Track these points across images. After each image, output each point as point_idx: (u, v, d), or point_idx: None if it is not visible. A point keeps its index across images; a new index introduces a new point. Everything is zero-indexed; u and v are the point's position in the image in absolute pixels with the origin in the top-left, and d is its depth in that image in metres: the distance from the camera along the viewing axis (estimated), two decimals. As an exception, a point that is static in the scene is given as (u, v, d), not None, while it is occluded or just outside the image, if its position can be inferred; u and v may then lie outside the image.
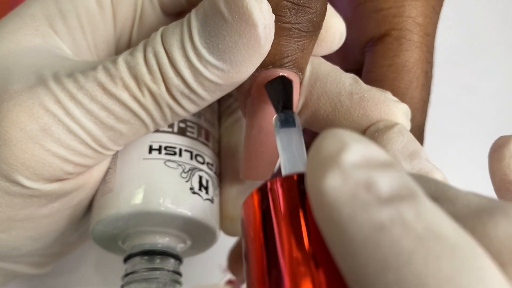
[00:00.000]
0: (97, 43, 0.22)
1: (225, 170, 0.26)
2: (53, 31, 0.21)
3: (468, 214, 0.12)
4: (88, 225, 0.23)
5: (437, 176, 0.18)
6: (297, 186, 0.14)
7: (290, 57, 0.19)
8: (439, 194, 0.13)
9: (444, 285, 0.10)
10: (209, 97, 0.19)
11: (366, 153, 0.12)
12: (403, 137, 0.19)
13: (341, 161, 0.12)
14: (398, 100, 0.21)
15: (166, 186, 0.22)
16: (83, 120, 0.19)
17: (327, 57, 0.30)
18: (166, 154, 0.23)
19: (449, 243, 0.10)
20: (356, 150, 0.12)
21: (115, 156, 0.23)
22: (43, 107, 0.18)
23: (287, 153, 0.17)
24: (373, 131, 0.20)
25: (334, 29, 0.22)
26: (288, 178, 0.15)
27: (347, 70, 0.30)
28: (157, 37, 0.19)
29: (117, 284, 0.23)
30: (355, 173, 0.12)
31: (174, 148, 0.23)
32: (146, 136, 0.23)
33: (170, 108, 0.19)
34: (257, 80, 0.19)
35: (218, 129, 0.27)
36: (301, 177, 0.15)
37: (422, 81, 0.26)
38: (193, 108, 0.20)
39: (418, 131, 0.26)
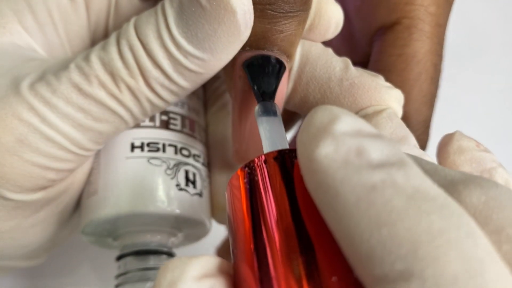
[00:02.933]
0: (70, 38, 0.21)
1: (214, 159, 0.25)
2: (22, 28, 0.20)
3: (444, 184, 0.13)
4: (78, 220, 0.23)
5: (428, 160, 0.18)
6: (280, 161, 0.15)
7: (266, 38, 0.18)
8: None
9: (436, 238, 0.10)
10: (190, 86, 0.19)
11: (356, 124, 0.12)
12: (391, 123, 0.19)
13: (333, 130, 0.12)
14: (391, 86, 0.20)
15: (151, 186, 0.21)
16: (60, 124, 0.18)
17: (333, 48, 0.29)
18: (149, 151, 0.22)
19: (438, 202, 0.11)
20: (346, 121, 0.12)
21: (98, 155, 0.22)
22: (16, 117, 0.17)
23: (269, 140, 0.18)
24: (361, 116, 0.19)
25: (329, 17, 0.20)
26: (271, 153, 0.15)
27: (354, 63, 0.29)
28: (130, 28, 0.18)
29: (113, 284, 0.23)
30: (347, 140, 0.12)
31: (157, 143, 0.22)
32: (128, 133, 0.22)
33: (150, 102, 0.18)
34: (237, 62, 0.19)
35: (205, 115, 0.26)
36: (282, 152, 0.15)
37: (431, 73, 0.25)
38: (173, 99, 0.19)
39: (424, 126, 0.25)
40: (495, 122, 0.45)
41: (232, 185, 0.16)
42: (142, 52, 0.17)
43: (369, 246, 0.11)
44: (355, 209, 0.11)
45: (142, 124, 0.22)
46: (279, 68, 0.19)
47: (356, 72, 0.20)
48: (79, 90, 0.18)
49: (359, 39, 0.28)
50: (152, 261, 0.22)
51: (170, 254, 0.23)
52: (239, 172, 0.16)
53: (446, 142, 0.18)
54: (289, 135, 0.35)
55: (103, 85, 0.18)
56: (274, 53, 0.18)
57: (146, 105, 0.19)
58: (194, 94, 0.25)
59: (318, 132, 0.12)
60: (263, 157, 0.15)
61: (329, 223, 0.12)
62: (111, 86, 0.18)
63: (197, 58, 0.17)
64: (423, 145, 0.26)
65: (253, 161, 0.15)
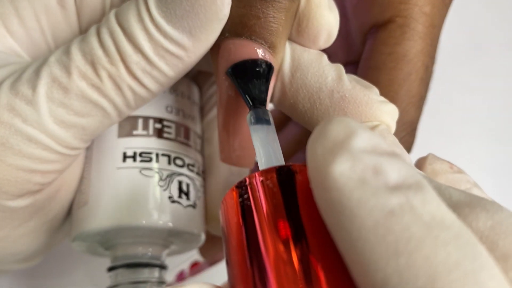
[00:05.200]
0: (59, 45, 0.20)
1: (209, 168, 0.24)
2: (7, 32, 0.19)
3: (450, 206, 0.12)
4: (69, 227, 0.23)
5: None
6: (277, 178, 0.14)
7: (243, 24, 0.18)
8: None
9: (453, 270, 0.10)
10: (172, 73, 0.18)
11: (373, 141, 0.12)
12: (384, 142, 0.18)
13: (350, 146, 0.12)
14: (384, 100, 0.19)
15: (142, 198, 0.20)
16: (42, 123, 0.17)
17: (330, 48, 0.28)
18: (142, 161, 0.21)
19: (453, 231, 0.11)
20: (364, 137, 0.12)
21: (89, 164, 0.22)
22: None
23: (263, 150, 0.17)
24: None
25: (319, 22, 0.19)
26: (268, 171, 0.14)
27: (349, 62, 0.29)
28: (111, 17, 0.18)
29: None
30: (364, 158, 0.12)
31: (150, 153, 0.21)
32: (120, 142, 0.21)
33: (132, 90, 0.18)
34: (219, 50, 0.18)
35: (201, 122, 0.25)
36: (281, 170, 0.14)
37: (421, 74, 0.24)
38: (156, 88, 0.18)
39: (410, 127, 0.25)
40: (495, 122, 0.45)
41: (226, 204, 0.15)
42: (123, 37, 0.17)
43: (384, 275, 0.10)
44: (372, 234, 0.11)
45: (134, 132, 0.22)
46: (268, 71, 0.18)
47: (348, 84, 0.19)
48: (60, 83, 0.17)
49: (355, 37, 0.27)
50: (143, 274, 0.22)
51: (162, 267, 0.22)
52: (233, 190, 0.15)
53: (419, 166, 0.18)
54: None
55: (83, 76, 0.17)
56: (254, 42, 0.18)
57: (129, 95, 0.18)
58: (189, 99, 0.24)
59: (334, 147, 0.12)
60: (259, 175, 0.14)
61: (340, 245, 0.12)
62: (92, 76, 0.17)
63: (177, 38, 0.17)
64: (408, 147, 0.25)
65: (249, 179, 0.14)
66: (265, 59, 0.18)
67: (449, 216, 0.11)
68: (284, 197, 0.14)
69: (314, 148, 0.12)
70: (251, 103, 0.18)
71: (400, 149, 0.18)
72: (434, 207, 0.11)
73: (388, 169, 0.11)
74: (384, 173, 0.11)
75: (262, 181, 0.14)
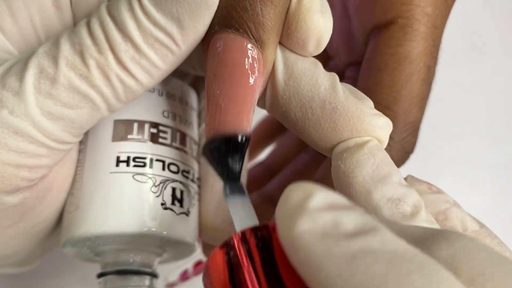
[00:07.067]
0: None
1: (205, 175, 0.24)
2: (0, 31, 0.19)
3: (413, 243, 0.13)
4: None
5: (412, 199, 0.17)
6: (255, 239, 0.15)
7: (231, 16, 0.18)
8: None
9: None
10: (162, 63, 0.18)
11: (329, 199, 0.13)
12: (373, 159, 0.18)
13: (308, 207, 0.13)
14: (378, 113, 0.19)
15: (134, 204, 0.20)
16: (29, 114, 0.17)
17: (332, 48, 0.28)
18: (135, 166, 0.21)
19: (416, 262, 0.11)
20: (320, 197, 0.13)
21: (82, 167, 0.21)
22: None
23: (240, 219, 0.18)
24: (341, 151, 0.18)
25: (308, 27, 0.19)
26: (246, 231, 0.16)
27: (352, 62, 0.29)
28: (102, 8, 0.18)
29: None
30: (322, 215, 0.13)
31: (144, 158, 0.21)
32: (114, 146, 0.21)
33: (121, 81, 0.18)
34: (209, 44, 0.18)
35: (198, 128, 0.25)
36: (255, 230, 0.16)
37: (423, 75, 0.24)
38: (146, 79, 0.18)
39: (412, 128, 0.25)
40: (495, 122, 0.45)
41: (211, 263, 0.16)
42: (112, 26, 0.17)
43: None
44: (339, 279, 0.11)
45: (129, 136, 0.21)
46: (243, 145, 0.18)
47: (341, 95, 0.18)
48: (47, 74, 0.17)
49: (358, 38, 0.27)
50: (134, 281, 0.21)
51: (153, 275, 0.22)
52: (218, 250, 0.16)
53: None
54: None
55: (71, 66, 0.17)
56: (242, 36, 0.18)
57: (118, 85, 0.18)
58: (187, 105, 0.24)
59: (294, 210, 0.13)
60: (240, 235, 0.16)
61: None
62: (80, 66, 0.17)
63: (165, 26, 0.17)
64: (410, 147, 0.25)
65: (234, 237, 0.16)
66: (244, 132, 0.18)
67: (409, 250, 0.12)
68: (262, 257, 0.15)
69: (279, 214, 0.14)
70: (226, 177, 0.19)
71: (390, 167, 0.18)
72: (394, 245, 0.12)
73: (345, 220, 0.13)
74: (342, 224, 0.12)
75: (241, 240, 0.15)
